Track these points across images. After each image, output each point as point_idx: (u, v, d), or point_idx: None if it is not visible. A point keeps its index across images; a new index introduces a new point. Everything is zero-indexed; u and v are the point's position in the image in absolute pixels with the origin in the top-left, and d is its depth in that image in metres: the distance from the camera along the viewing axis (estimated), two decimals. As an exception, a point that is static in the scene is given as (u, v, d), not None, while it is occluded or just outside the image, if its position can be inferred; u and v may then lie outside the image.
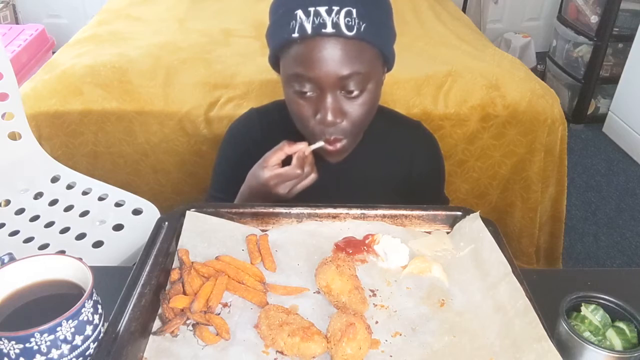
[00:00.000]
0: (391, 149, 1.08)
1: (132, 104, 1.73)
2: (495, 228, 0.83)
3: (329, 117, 0.88)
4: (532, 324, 0.66)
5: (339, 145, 0.93)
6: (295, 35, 0.84)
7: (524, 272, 0.75)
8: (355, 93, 0.88)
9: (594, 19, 3.00)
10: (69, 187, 1.48)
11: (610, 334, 0.67)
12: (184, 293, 0.72)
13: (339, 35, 0.83)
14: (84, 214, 1.39)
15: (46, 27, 2.93)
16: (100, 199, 1.44)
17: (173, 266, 0.78)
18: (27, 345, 0.57)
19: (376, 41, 0.87)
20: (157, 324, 0.69)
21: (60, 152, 1.74)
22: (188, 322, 0.69)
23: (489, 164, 1.80)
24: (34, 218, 1.37)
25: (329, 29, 0.83)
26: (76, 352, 0.60)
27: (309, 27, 0.83)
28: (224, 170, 1.11)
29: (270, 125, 1.08)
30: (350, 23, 0.83)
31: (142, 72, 1.79)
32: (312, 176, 0.94)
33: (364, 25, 0.84)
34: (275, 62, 0.95)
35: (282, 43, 0.88)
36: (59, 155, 1.68)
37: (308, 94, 0.88)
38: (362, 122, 0.93)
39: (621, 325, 0.68)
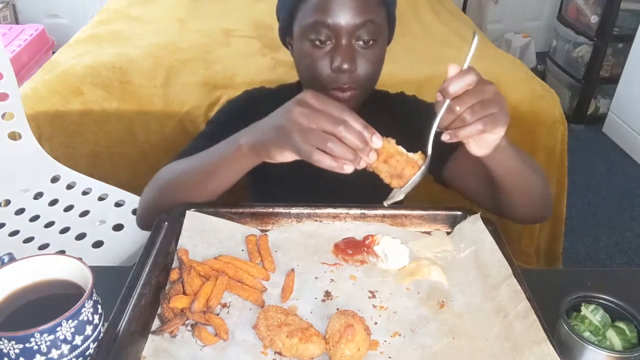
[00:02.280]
0: (393, 128, 1.06)
1: (132, 104, 1.73)
2: (496, 228, 0.83)
3: (345, 65, 0.90)
4: (533, 327, 0.66)
5: (348, 93, 0.94)
6: None
7: (524, 273, 0.75)
8: (370, 43, 0.91)
9: (594, 19, 3.01)
10: (69, 187, 1.48)
11: (610, 334, 0.67)
12: (184, 293, 0.72)
13: None
14: (84, 214, 1.39)
15: (46, 27, 2.93)
16: (100, 199, 1.44)
17: (173, 266, 0.78)
18: (27, 345, 0.57)
19: (386, 2, 0.93)
20: (156, 323, 0.69)
21: (60, 152, 1.74)
22: (187, 322, 0.69)
23: (489, 164, 1.80)
24: (34, 218, 1.37)
25: None
26: (76, 352, 0.60)
27: None
28: (212, 131, 1.01)
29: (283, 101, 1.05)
30: None
31: (142, 72, 1.79)
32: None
33: None
34: (288, 26, 0.97)
35: None
36: (59, 155, 1.68)
37: (325, 42, 0.91)
38: (373, 74, 0.95)
39: (621, 325, 0.68)
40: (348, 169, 0.69)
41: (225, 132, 0.84)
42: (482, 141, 0.72)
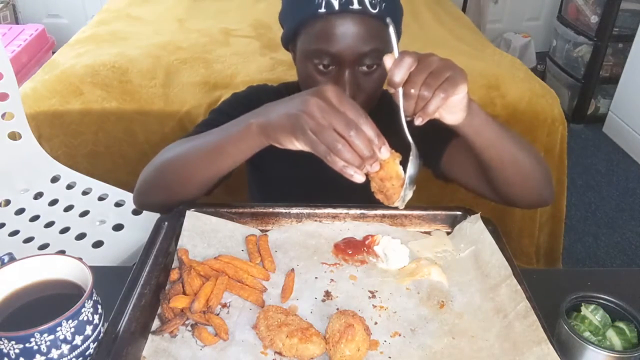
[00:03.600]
0: (391, 127, 1.07)
1: (132, 104, 1.73)
2: (496, 228, 0.84)
3: (348, 92, 0.88)
4: (533, 327, 0.66)
5: None
6: (322, 10, 0.86)
7: (524, 272, 0.75)
8: (372, 69, 0.90)
9: (594, 19, 3.00)
10: (69, 187, 1.48)
11: (610, 334, 0.67)
12: (184, 293, 0.72)
13: (364, 12, 0.85)
14: (84, 214, 1.39)
15: (46, 27, 2.93)
16: (100, 199, 1.44)
17: (173, 266, 0.78)
18: (27, 345, 0.57)
19: (393, 20, 0.89)
20: (156, 323, 0.69)
21: (60, 152, 1.74)
22: (187, 322, 0.69)
23: (489, 164, 1.80)
24: (34, 218, 1.37)
25: (356, 6, 0.85)
26: (76, 352, 0.60)
27: (336, 3, 0.85)
28: (215, 119, 0.98)
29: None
30: (374, 1, 0.86)
31: (142, 72, 1.79)
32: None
33: (384, 4, 0.87)
34: (291, 38, 0.95)
35: (305, 18, 0.89)
36: (59, 155, 1.68)
37: (328, 68, 0.90)
38: (375, 96, 0.95)
39: (621, 325, 0.68)
40: (358, 178, 0.67)
41: (228, 121, 0.82)
42: (452, 107, 0.73)
